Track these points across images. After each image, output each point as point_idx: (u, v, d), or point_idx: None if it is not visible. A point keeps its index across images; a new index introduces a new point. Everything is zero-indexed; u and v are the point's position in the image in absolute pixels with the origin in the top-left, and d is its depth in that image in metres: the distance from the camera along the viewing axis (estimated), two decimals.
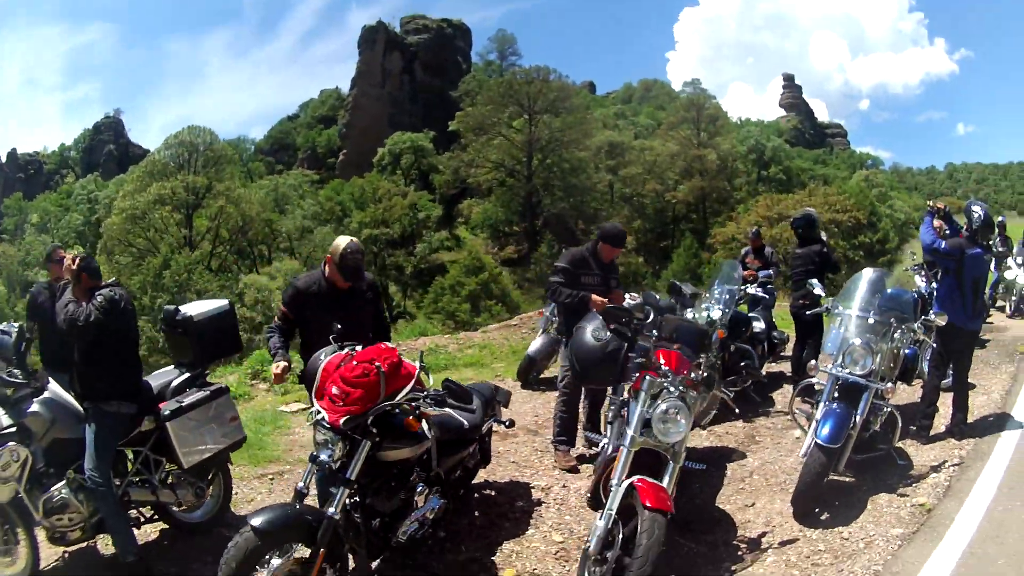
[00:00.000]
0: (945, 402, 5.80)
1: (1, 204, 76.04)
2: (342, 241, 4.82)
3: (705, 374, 4.28)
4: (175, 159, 47.69)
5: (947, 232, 5.98)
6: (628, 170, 60.77)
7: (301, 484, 3.77)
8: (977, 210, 5.86)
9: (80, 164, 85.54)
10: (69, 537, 4.43)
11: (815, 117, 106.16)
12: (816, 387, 5.39)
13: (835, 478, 4.75)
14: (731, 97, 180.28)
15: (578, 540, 4.46)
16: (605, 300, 5.35)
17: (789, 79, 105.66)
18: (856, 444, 4.83)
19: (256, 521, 3.48)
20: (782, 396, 7.51)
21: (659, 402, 4.01)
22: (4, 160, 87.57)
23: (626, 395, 4.47)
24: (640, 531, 3.58)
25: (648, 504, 3.63)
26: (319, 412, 3.76)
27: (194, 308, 5.12)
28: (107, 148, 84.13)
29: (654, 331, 4.67)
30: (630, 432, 3.98)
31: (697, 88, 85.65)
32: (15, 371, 4.45)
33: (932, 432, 5.71)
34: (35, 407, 4.47)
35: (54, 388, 4.60)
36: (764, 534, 4.35)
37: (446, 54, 78.09)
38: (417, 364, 4.02)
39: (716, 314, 6.97)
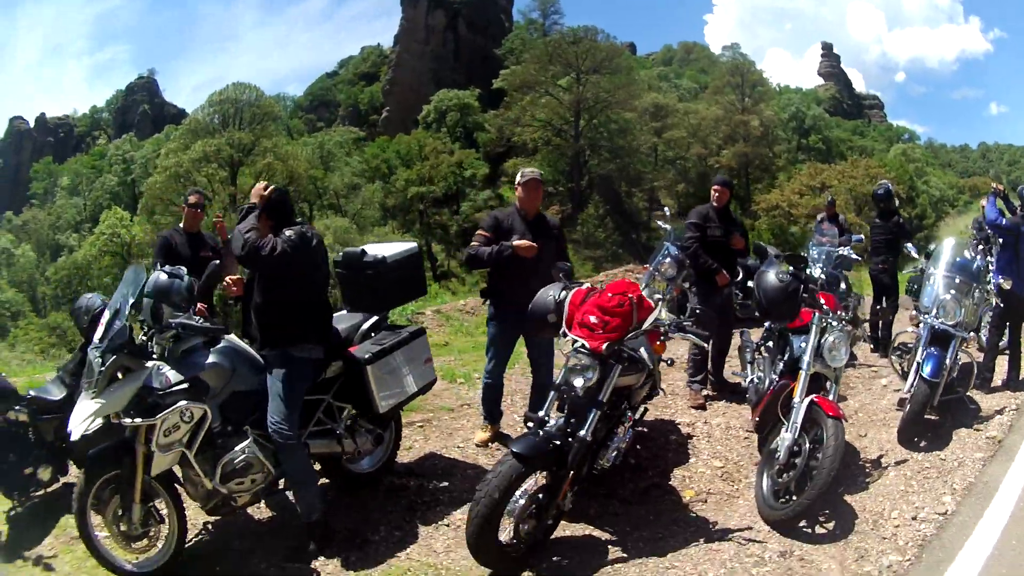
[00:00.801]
0: (1000, 362, 6.99)
1: (30, 169, 76.73)
2: (527, 168, 5.67)
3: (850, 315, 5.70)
4: (220, 116, 48.09)
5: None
6: (672, 133, 61.57)
7: (543, 412, 4.14)
8: None
9: (113, 125, 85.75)
10: (238, 502, 4.25)
11: (853, 87, 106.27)
12: (908, 340, 6.63)
13: (926, 416, 5.87)
14: (768, 62, 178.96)
15: (735, 464, 5.40)
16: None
17: (828, 48, 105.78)
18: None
19: (518, 447, 3.81)
20: (859, 351, 8.57)
21: (827, 335, 4.90)
22: (32, 126, 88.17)
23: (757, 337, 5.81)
24: (828, 435, 4.37)
25: (831, 414, 4.47)
26: (576, 340, 4.16)
27: (382, 249, 5.00)
28: (141, 108, 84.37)
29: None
30: (807, 359, 4.83)
31: (737, 53, 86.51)
32: (194, 317, 4.20)
33: (992, 385, 6.87)
34: (214, 358, 4.22)
35: (230, 336, 4.42)
36: (881, 456, 5.41)
37: (489, 12, 78.62)
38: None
39: (816, 272, 7.61)
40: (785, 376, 5.11)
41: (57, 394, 5.11)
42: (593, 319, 4.12)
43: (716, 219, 6.73)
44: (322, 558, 4.23)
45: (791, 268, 5.42)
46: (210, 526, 4.62)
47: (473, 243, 5.43)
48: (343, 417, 4.69)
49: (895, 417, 5.97)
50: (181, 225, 6.26)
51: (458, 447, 5.69)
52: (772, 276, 5.15)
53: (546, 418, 4.08)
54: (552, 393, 4.19)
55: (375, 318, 5.00)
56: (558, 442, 3.92)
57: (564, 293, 4.54)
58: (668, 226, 9.62)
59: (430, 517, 4.67)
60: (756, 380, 5.63)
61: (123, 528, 4.01)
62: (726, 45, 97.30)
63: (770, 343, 5.79)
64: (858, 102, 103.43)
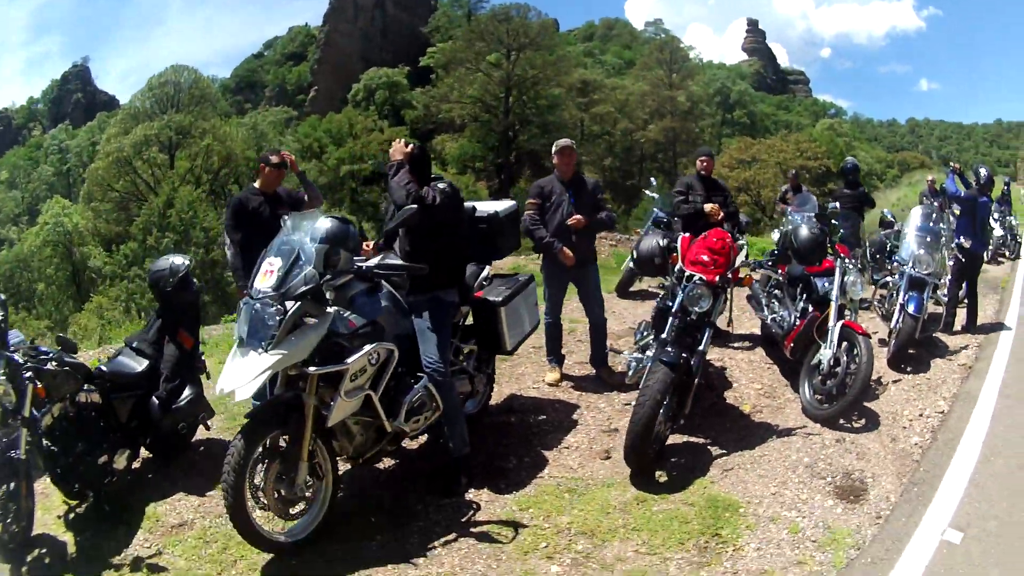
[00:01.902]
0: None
1: None
2: (560, 140, 6.63)
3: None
4: (159, 99, 48.55)
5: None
6: (599, 108, 63.55)
7: (665, 335, 5.13)
8: (983, 171, 9.07)
9: (48, 116, 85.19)
10: (405, 433, 4.58)
11: (777, 63, 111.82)
12: (890, 285, 8.24)
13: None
14: (689, 38, 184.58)
15: (770, 386, 6.66)
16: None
17: (753, 24, 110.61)
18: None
19: (667, 358, 4.79)
20: None
21: (848, 275, 6.21)
22: None
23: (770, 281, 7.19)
24: (861, 348, 5.66)
25: (860, 332, 5.82)
26: (694, 275, 5.18)
27: (490, 206, 5.69)
28: (75, 97, 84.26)
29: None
30: (835, 292, 6.09)
31: (659, 29, 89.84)
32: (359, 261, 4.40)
33: (954, 329, 8.60)
34: (384, 301, 4.56)
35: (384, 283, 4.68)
36: (880, 376, 6.67)
37: None
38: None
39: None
40: (811, 310, 6.54)
41: (137, 367, 4.98)
42: (705, 258, 5.29)
43: (700, 187, 7.85)
44: (473, 489, 4.81)
45: (821, 224, 6.91)
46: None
47: (527, 212, 6.37)
48: (469, 358, 5.35)
49: (880, 352, 7.37)
50: (256, 185, 6.02)
51: (534, 387, 6.74)
52: (806, 229, 6.58)
53: (666, 338, 5.10)
54: (671, 319, 5.15)
55: (488, 268, 5.54)
56: (686, 355, 4.94)
57: (666, 240, 5.81)
58: (655, 195, 11.20)
59: (548, 443, 5.51)
60: (778, 318, 6.94)
61: (283, 493, 4.01)
62: (649, 21, 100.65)
63: (777, 290, 7.17)
64: (783, 77, 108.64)
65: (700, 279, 5.17)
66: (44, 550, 4.39)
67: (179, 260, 5.31)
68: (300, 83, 79.60)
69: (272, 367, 3.81)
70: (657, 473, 4.89)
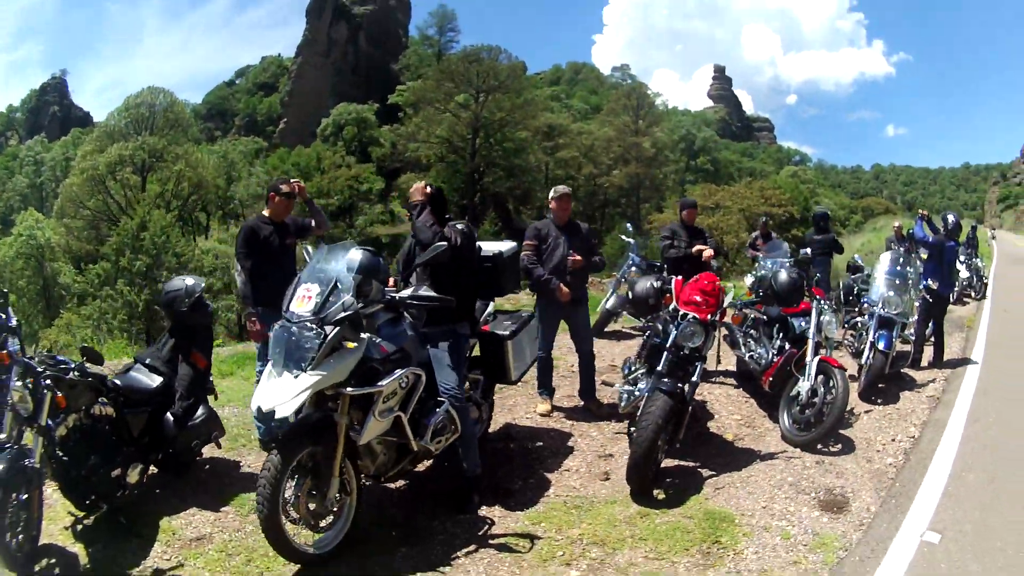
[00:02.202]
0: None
1: None
2: (559, 186, 7.31)
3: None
4: (135, 119, 49.00)
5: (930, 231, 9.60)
6: (564, 152, 64.81)
7: (660, 368, 5.52)
8: (951, 217, 9.83)
9: (25, 126, 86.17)
10: (430, 453, 4.88)
11: (743, 109, 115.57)
12: (860, 325, 9.01)
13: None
14: (655, 83, 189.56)
15: (748, 417, 7.14)
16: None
17: (720, 70, 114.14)
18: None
19: (665, 387, 5.30)
20: None
21: (824, 315, 6.88)
22: None
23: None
24: (837, 380, 6.23)
25: (836, 366, 6.38)
26: (688, 314, 5.69)
27: (495, 246, 5.99)
28: (52, 110, 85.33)
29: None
30: (812, 331, 6.73)
31: (626, 74, 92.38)
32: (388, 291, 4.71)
33: (921, 365, 9.22)
34: (410, 331, 4.85)
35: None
36: (852, 408, 7.15)
37: (388, 26, 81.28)
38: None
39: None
40: (788, 348, 7.09)
41: (151, 383, 5.09)
42: (698, 298, 5.77)
43: (684, 234, 8.53)
44: (485, 507, 5.13)
45: (798, 269, 7.57)
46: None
47: (525, 253, 6.75)
48: (476, 388, 5.77)
49: (852, 387, 7.86)
50: (266, 213, 6.12)
51: (527, 418, 7.12)
52: (785, 274, 7.24)
53: (662, 370, 5.52)
54: (666, 354, 5.58)
55: (491, 303, 6.03)
56: (681, 385, 5.37)
57: (660, 283, 6.29)
58: (631, 240, 11.78)
59: (548, 467, 5.85)
60: (756, 355, 7.44)
61: (313, 507, 4.23)
62: (615, 66, 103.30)
63: (753, 329, 7.65)
64: (747, 124, 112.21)
65: (694, 318, 5.65)
66: (52, 560, 4.41)
67: (193, 281, 5.46)
68: (270, 114, 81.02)
69: (313, 387, 4.04)
70: (655, 492, 5.26)
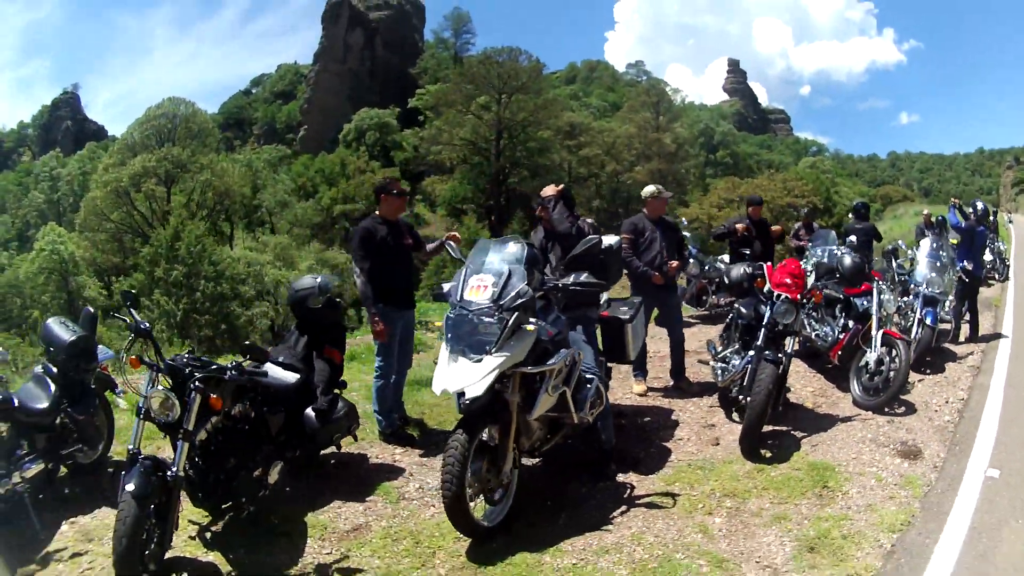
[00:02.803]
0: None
1: None
2: (651, 186, 8.27)
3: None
4: (156, 131, 50.03)
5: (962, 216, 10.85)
6: (587, 150, 66.20)
7: (760, 342, 6.42)
8: (980, 204, 11.11)
9: (37, 142, 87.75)
10: (585, 423, 5.38)
11: (758, 102, 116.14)
12: (904, 305, 9.80)
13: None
14: (669, 79, 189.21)
15: (820, 389, 8.15)
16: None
17: (734, 64, 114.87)
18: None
19: (770, 357, 6.24)
20: None
21: (883, 293, 8.20)
22: None
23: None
24: (900, 350, 7.29)
25: (898, 338, 7.47)
26: (781, 295, 6.55)
27: (606, 240, 6.59)
28: (65, 124, 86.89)
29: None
30: (875, 308, 7.94)
31: (641, 70, 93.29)
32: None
33: (959, 341, 10.48)
34: (561, 316, 5.46)
35: None
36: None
37: (404, 31, 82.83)
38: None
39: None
40: (853, 325, 8.26)
41: (289, 380, 5.23)
42: (788, 281, 6.75)
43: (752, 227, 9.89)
44: (620, 475, 5.78)
45: (860, 254, 8.72)
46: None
47: (625, 247, 7.60)
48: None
49: None
50: (378, 214, 6.38)
51: (627, 397, 8.14)
52: (850, 259, 8.22)
53: (762, 345, 6.50)
54: (763, 330, 6.65)
55: (606, 292, 6.55)
56: (780, 356, 6.38)
57: (752, 270, 7.35)
58: (687, 233, 12.98)
59: (663, 437, 6.69)
60: (821, 333, 8.51)
61: (491, 481, 4.62)
62: (630, 63, 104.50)
63: (814, 311, 8.63)
64: (763, 116, 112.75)
65: (786, 298, 6.73)
66: (186, 573, 4.42)
67: (323, 279, 5.73)
68: (289, 121, 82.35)
69: (499, 367, 4.47)
70: (762, 451, 6.36)
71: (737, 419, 7.06)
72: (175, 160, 46.85)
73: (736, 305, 7.64)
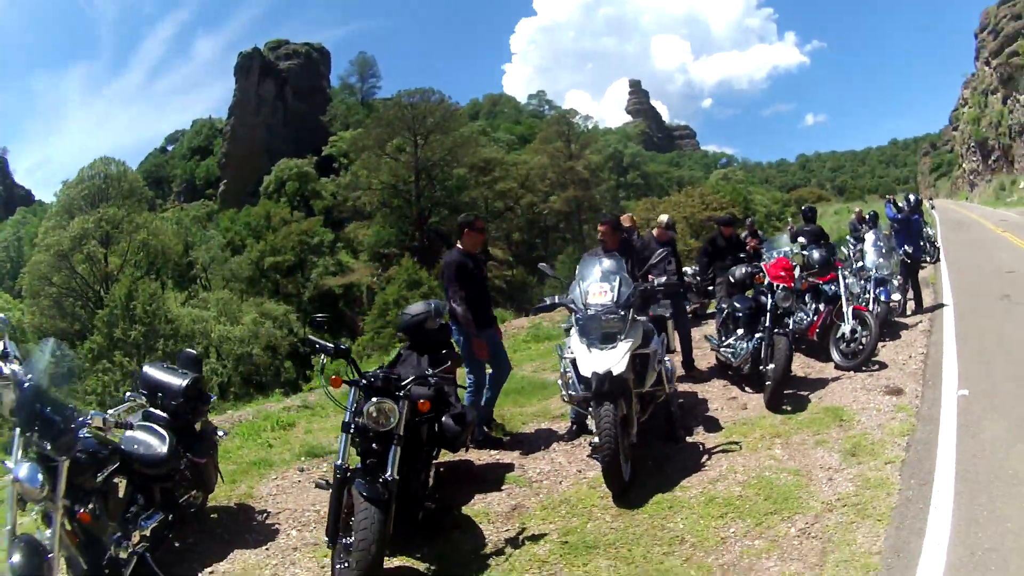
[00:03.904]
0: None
1: None
2: (664, 216, 10.86)
3: None
4: (91, 192, 50.61)
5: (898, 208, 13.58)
6: (503, 184, 68.65)
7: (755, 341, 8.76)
8: (912, 197, 13.61)
9: None
10: (674, 392, 7.23)
11: (662, 120, 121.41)
12: (860, 289, 11.67)
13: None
14: (568, 104, 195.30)
15: (806, 361, 10.16)
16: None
17: (635, 85, 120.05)
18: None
19: (782, 331, 9.32)
20: None
21: (847, 278, 10.31)
22: None
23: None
24: (871, 321, 9.22)
25: (866, 311, 9.51)
26: (780, 285, 8.34)
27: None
28: None
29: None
30: (843, 290, 9.98)
31: (543, 100, 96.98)
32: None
33: (907, 313, 12.82)
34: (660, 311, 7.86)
35: None
36: None
37: (313, 79, 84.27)
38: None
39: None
40: (824, 307, 10.30)
41: (429, 393, 5.52)
42: (783, 273, 8.76)
43: (724, 245, 11.88)
44: (688, 438, 7.30)
45: (827, 248, 10.89)
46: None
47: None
48: None
49: None
50: (460, 247, 7.32)
51: None
52: (818, 253, 10.35)
53: (770, 325, 8.46)
54: (769, 313, 8.50)
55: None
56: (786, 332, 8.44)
57: (753, 269, 9.30)
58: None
59: (701, 411, 8.18)
60: (797, 318, 10.51)
61: (625, 444, 5.76)
62: (531, 94, 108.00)
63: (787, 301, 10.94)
64: (669, 134, 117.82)
65: (784, 287, 8.66)
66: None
67: (437, 303, 6.74)
68: (208, 177, 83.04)
69: (630, 349, 6.03)
70: (784, 407, 8.06)
71: (750, 389, 8.86)
72: (111, 220, 47.61)
73: (732, 302, 9.51)
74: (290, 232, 58.89)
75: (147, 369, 5.58)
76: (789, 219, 20.97)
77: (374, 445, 4.83)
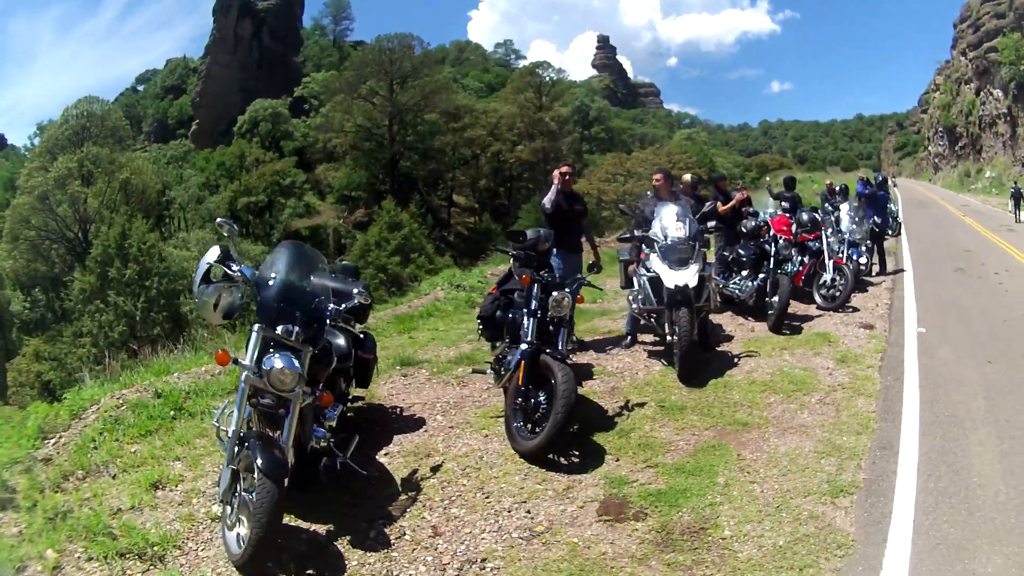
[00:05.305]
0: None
1: None
2: (687, 176, 13.00)
3: None
4: (75, 131, 50.65)
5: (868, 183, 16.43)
6: (471, 132, 69.98)
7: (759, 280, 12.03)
8: (879, 175, 16.61)
9: None
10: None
11: (627, 76, 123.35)
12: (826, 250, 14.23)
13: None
14: (533, 55, 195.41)
15: (795, 305, 13.80)
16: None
17: (603, 40, 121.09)
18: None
19: (785, 274, 13.26)
20: None
21: (829, 238, 12.97)
22: None
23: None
24: (848, 271, 12.18)
25: (843, 264, 12.42)
26: (781, 237, 11.45)
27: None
28: None
29: None
30: (826, 246, 12.61)
31: (510, 50, 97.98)
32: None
33: (873, 274, 15.57)
34: None
35: None
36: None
37: (287, 20, 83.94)
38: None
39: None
40: (808, 259, 12.75)
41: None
42: (784, 228, 11.43)
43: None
44: (717, 348, 10.89)
45: (812, 210, 13.27)
46: None
47: None
48: None
49: None
50: (558, 186, 9.07)
51: None
52: (806, 215, 12.76)
53: (773, 267, 11.05)
54: (773, 258, 10.99)
55: None
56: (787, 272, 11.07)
57: (759, 222, 11.72)
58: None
59: (719, 331, 10.69)
60: (786, 267, 13.09)
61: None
62: (498, 43, 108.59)
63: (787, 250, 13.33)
64: (633, 91, 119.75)
65: (784, 239, 11.17)
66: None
67: (543, 230, 7.63)
68: (181, 116, 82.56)
69: (698, 269, 8.06)
70: (783, 332, 10.45)
71: (752, 319, 11.25)
72: (94, 159, 47.90)
73: (737, 249, 11.85)
74: (263, 173, 59.71)
75: (316, 278, 5.51)
76: (767, 180, 23.63)
77: (550, 327, 6.71)
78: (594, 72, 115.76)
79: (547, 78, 75.81)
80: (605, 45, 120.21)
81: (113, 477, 5.66)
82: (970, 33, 72.99)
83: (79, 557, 4.59)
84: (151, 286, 35.16)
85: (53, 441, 6.27)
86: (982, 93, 69.87)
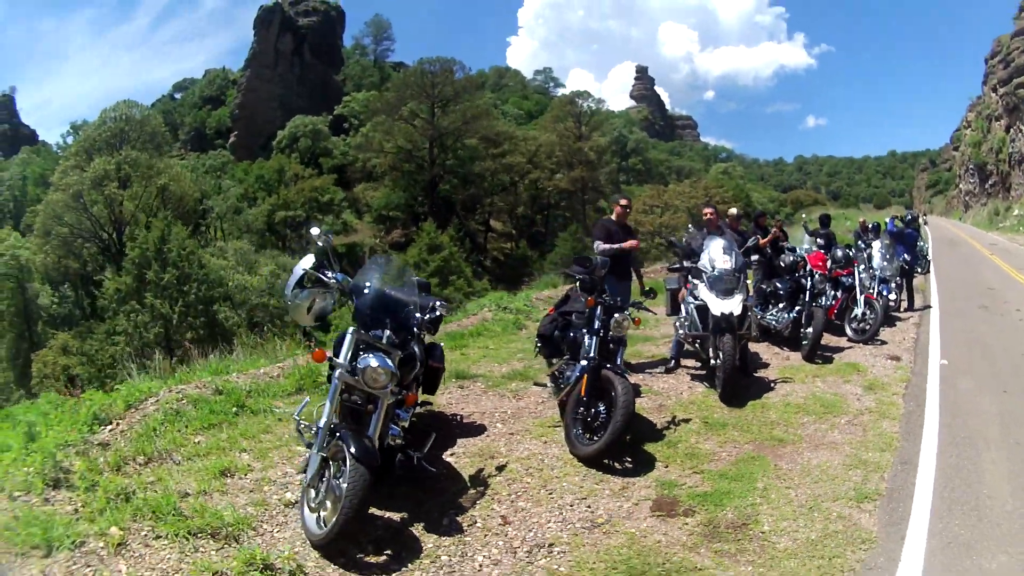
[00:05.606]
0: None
1: None
2: (733, 209, 14.33)
3: None
4: (113, 134, 51.55)
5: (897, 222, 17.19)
6: (511, 158, 70.89)
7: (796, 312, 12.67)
8: (910, 214, 17.31)
9: None
10: None
11: (665, 108, 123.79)
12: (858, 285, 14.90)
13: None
14: (571, 83, 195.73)
15: (826, 338, 14.50)
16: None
17: (642, 70, 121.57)
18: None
19: (821, 309, 13.60)
20: None
21: (861, 274, 13.67)
22: None
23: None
24: (877, 306, 13.06)
25: (875, 299, 13.22)
26: (817, 272, 12.05)
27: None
28: (1, 128, 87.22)
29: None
30: (858, 281, 13.22)
31: (549, 77, 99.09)
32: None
33: (902, 310, 16.18)
34: None
35: None
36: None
37: (328, 38, 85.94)
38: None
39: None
40: (840, 294, 13.47)
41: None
42: (820, 263, 12.12)
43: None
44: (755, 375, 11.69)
45: (846, 248, 14.04)
46: None
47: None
48: None
49: None
50: (612, 217, 10.01)
51: None
52: (840, 252, 13.47)
53: (809, 300, 11.84)
54: (809, 291, 11.81)
55: None
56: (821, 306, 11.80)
57: (797, 258, 12.51)
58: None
59: (755, 360, 11.50)
60: (822, 301, 13.85)
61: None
62: (538, 70, 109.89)
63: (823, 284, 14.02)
64: (671, 123, 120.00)
65: (820, 274, 11.94)
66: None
67: (599, 258, 8.19)
68: (219, 127, 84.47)
69: (743, 299, 8.91)
70: (816, 361, 11.21)
71: (787, 349, 11.98)
72: (133, 163, 48.46)
73: (774, 283, 12.62)
74: (302, 188, 60.81)
75: (392, 292, 5.77)
76: (803, 216, 24.31)
77: (610, 345, 7.33)
78: (632, 102, 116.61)
79: (586, 107, 76.69)
80: (644, 75, 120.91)
81: (178, 464, 5.95)
82: (1001, 69, 72.19)
83: (146, 535, 4.84)
84: (189, 291, 35.62)
85: (110, 428, 6.50)
86: (1012, 130, 68.88)
